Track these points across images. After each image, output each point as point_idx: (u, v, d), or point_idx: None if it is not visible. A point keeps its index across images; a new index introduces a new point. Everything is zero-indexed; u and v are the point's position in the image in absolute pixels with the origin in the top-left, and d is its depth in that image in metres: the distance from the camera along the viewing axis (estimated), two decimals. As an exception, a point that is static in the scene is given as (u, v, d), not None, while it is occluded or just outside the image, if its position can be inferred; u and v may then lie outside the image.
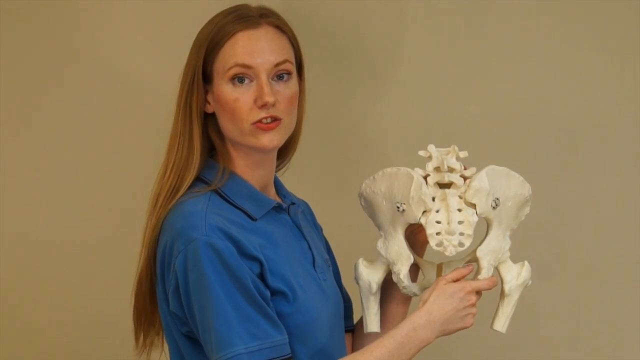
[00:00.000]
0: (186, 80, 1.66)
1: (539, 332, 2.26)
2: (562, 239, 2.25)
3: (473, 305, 1.66)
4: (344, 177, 2.30)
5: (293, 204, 1.76)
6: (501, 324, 1.71)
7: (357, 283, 1.76)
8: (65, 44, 2.42)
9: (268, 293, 1.59)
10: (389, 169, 1.71)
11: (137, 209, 2.37)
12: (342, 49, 2.31)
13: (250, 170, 1.68)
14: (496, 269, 1.70)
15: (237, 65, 1.62)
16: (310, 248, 1.73)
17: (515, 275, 1.71)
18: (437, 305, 1.64)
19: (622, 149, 2.22)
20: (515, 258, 1.72)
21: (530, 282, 1.73)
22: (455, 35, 2.27)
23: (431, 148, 1.69)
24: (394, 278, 1.71)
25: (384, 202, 1.70)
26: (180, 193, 1.63)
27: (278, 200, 1.73)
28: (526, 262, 1.72)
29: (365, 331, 1.77)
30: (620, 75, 2.21)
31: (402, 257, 1.69)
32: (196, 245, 1.55)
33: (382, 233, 1.73)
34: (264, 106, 1.61)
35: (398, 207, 1.67)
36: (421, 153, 1.69)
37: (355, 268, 1.76)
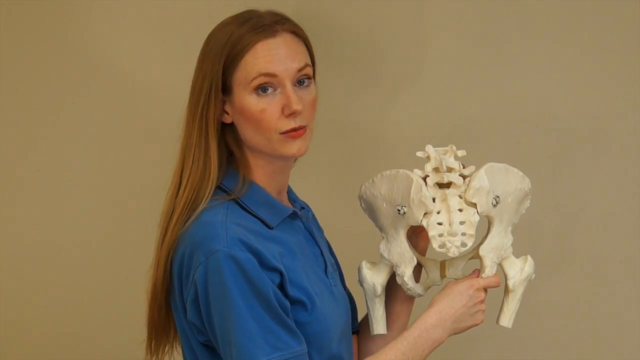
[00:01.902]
0: (202, 92, 1.62)
1: (544, 327, 2.26)
2: (565, 236, 2.25)
3: (482, 301, 1.66)
4: (347, 179, 2.28)
5: (303, 208, 1.75)
6: (507, 319, 1.72)
7: (361, 286, 1.76)
8: (65, 44, 2.41)
9: (288, 303, 1.58)
10: (387, 172, 1.70)
11: (136, 209, 2.38)
12: (347, 53, 2.31)
13: (269, 178, 1.66)
14: (499, 265, 1.70)
15: (261, 75, 1.59)
16: (322, 254, 1.72)
17: (519, 271, 1.71)
18: (447, 303, 1.64)
19: (622, 147, 2.22)
20: (519, 255, 1.72)
21: (533, 275, 1.73)
22: (462, 38, 2.27)
23: (429, 148, 1.68)
24: (398, 280, 1.71)
25: (385, 205, 1.70)
26: (198, 208, 1.60)
27: (291, 206, 1.72)
28: (529, 257, 1.72)
29: (371, 334, 1.77)
30: (620, 76, 2.21)
31: (405, 259, 1.69)
32: (218, 257, 1.54)
33: (383, 235, 1.72)
34: (292, 115, 1.59)
35: (399, 210, 1.66)
36: (419, 154, 1.68)
37: (359, 271, 1.76)
